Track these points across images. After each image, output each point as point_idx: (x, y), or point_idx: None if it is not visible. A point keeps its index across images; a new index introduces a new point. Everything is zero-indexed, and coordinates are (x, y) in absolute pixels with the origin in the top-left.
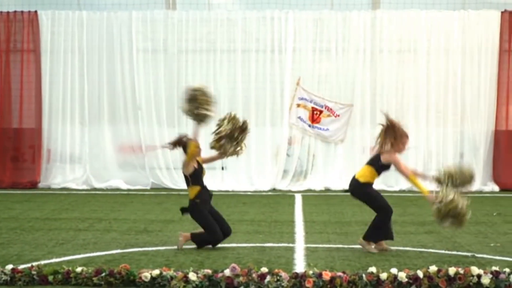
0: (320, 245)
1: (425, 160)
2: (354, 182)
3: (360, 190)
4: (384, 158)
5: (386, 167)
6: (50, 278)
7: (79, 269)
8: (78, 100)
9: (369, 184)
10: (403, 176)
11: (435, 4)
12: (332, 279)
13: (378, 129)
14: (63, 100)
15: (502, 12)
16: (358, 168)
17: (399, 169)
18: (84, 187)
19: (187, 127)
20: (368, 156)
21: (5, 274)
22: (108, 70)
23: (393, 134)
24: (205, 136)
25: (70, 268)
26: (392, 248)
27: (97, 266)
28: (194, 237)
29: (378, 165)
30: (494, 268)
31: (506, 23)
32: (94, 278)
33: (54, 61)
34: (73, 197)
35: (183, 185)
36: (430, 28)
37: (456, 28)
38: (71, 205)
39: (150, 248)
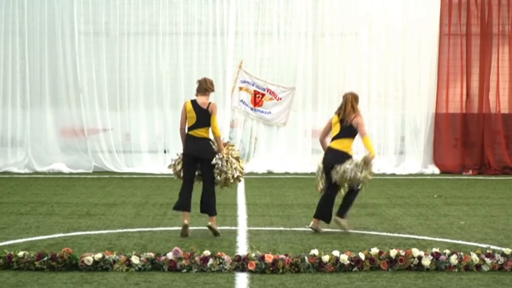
0: (263, 228)
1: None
2: (343, 155)
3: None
4: (356, 122)
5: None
6: None
7: (21, 253)
8: (19, 82)
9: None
10: (364, 135)
11: None
12: (275, 261)
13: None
14: (4, 83)
15: None
16: (305, 148)
17: (363, 129)
18: (26, 170)
19: (129, 110)
20: (310, 139)
21: None
22: (50, 52)
23: (356, 101)
24: None
25: (12, 253)
26: (334, 230)
27: (39, 250)
28: None
29: (353, 134)
30: (434, 249)
31: (446, 7)
32: (36, 262)
33: None
34: (14, 181)
35: (126, 169)
36: (372, 11)
37: (397, 12)
38: (13, 189)
39: (92, 232)
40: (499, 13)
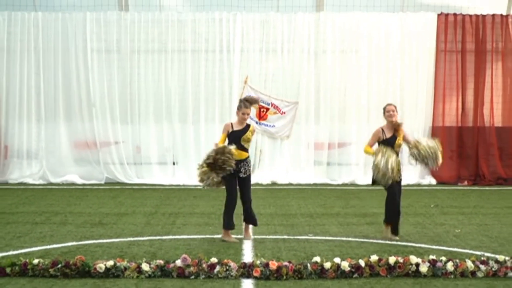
0: (267, 236)
1: (366, 156)
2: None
3: None
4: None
5: None
6: (8, 270)
7: (36, 261)
8: (34, 98)
9: None
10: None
11: (375, 7)
12: (279, 268)
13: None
14: (20, 98)
15: (438, 15)
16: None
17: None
18: (41, 182)
19: (139, 124)
20: (312, 151)
21: None
22: (64, 69)
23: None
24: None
25: (27, 260)
26: (335, 238)
27: (54, 258)
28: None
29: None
30: (431, 257)
31: (442, 25)
32: (50, 270)
33: (11, 60)
34: (30, 192)
35: (136, 180)
36: (371, 29)
37: (396, 30)
38: (28, 199)
39: (104, 240)
40: (493, 30)
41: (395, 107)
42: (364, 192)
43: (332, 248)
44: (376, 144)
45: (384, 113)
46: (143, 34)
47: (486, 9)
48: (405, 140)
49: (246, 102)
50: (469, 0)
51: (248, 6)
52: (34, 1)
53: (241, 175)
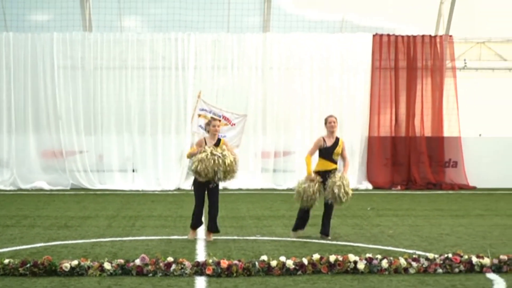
0: (219, 237)
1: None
2: None
3: None
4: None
5: None
6: None
7: (6, 261)
8: (5, 111)
9: None
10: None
11: (317, 28)
12: (229, 266)
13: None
14: None
15: (373, 35)
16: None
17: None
18: (11, 188)
19: (102, 135)
20: (260, 159)
21: None
22: (33, 84)
23: None
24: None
25: None
26: (281, 239)
27: (23, 258)
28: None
29: None
30: (368, 255)
31: (377, 45)
32: (20, 269)
33: None
34: (1, 197)
35: (99, 186)
36: (313, 49)
37: (335, 49)
38: (0, 204)
39: (70, 242)
40: (423, 49)
41: (336, 118)
42: None
43: (278, 248)
44: (318, 152)
45: (325, 124)
46: (105, 53)
47: (417, 30)
48: (342, 155)
49: None
50: (401, 22)
51: (201, 27)
52: (6, 22)
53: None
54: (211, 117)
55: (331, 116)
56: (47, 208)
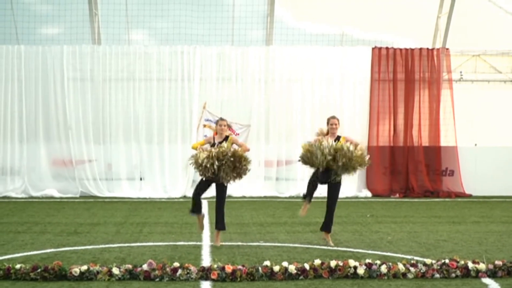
0: (223, 243)
1: (310, 171)
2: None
3: None
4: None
5: None
6: None
7: (18, 266)
8: (17, 121)
9: None
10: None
11: (318, 41)
12: (234, 271)
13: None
14: (4, 122)
15: (373, 48)
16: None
17: None
18: (23, 195)
19: (110, 144)
20: (263, 168)
21: None
22: (43, 95)
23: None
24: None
25: (11, 265)
26: (283, 245)
27: (34, 263)
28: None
29: None
30: (367, 260)
31: (376, 57)
32: (31, 274)
33: None
34: (13, 204)
35: (108, 194)
36: (314, 61)
37: (335, 61)
38: (11, 211)
39: (79, 247)
40: (420, 62)
41: (338, 120)
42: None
43: (281, 253)
44: None
45: (327, 124)
46: (114, 65)
47: (415, 43)
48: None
49: None
50: (399, 36)
51: (206, 40)
52: (17, 35)
53: None
54: (219, 118)
55: (333, 117)
56: (57, 215)
